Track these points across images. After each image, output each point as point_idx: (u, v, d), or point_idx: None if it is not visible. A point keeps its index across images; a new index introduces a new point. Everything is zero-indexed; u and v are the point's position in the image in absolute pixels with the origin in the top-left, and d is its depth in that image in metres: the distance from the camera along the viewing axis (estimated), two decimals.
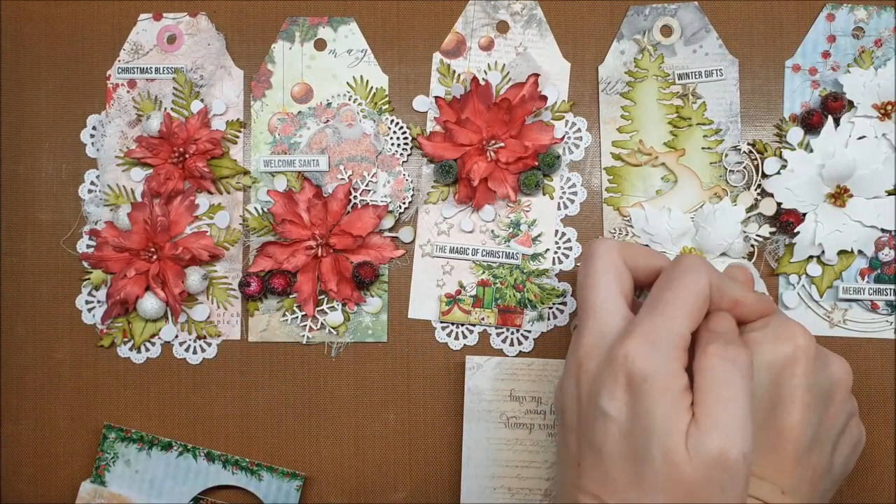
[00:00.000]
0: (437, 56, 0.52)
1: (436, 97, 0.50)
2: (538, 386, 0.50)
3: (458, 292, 0.50)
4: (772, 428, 0.36)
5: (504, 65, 0.51)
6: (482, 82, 0.49)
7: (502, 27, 0.52)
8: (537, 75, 0.49)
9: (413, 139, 0.51)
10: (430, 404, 0.51)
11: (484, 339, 0.51)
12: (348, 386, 0.51)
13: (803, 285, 0.50)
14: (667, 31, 0.51)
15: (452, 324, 0.51)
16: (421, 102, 0.51)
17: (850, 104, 0.49)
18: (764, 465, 0.36)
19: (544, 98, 0.49)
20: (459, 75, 0.51)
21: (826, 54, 0.51)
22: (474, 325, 0.51)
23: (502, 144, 0.50)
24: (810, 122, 0.49)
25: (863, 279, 0.49)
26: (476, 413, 0.49)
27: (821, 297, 0.50)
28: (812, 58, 0.51)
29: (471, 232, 0.51)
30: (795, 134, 0.50)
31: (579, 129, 0.51)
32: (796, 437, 0.36)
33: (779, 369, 0.37)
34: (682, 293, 0.36)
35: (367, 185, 0.51)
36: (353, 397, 0.51)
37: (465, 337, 0.51)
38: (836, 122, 0.49)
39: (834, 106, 0.49)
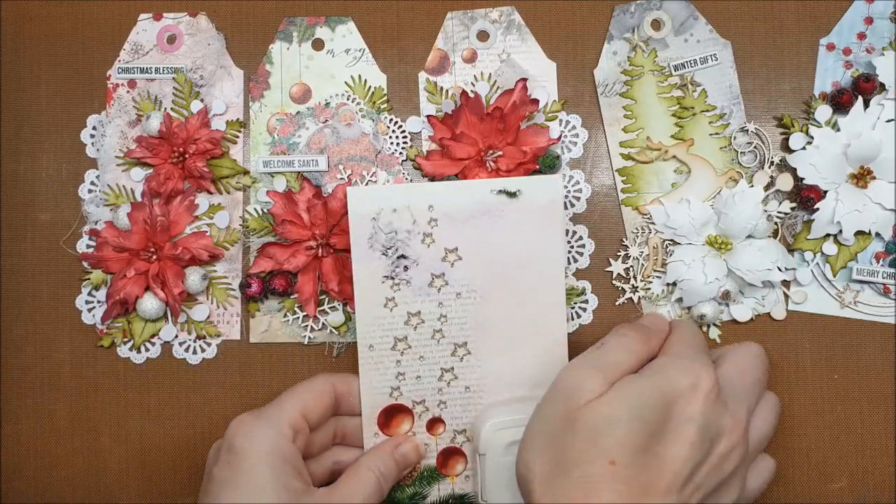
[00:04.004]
0: (422, 75, 0.51)
1: (428, 116, 0.50)
2: None
3: None
4: (653, 453, 0.37)
5: (490, 74, 0.51)
6: (471, 94, 0.49)
7: (482, 37, 0.51)
8: (525, 80, 0.49)
9: (412, 161, 0.51)
10: None
11: None
12: None
13: (818, 263, 0.50)
14: (656, 24, 0.51)
15: None
16: (414, 123, 0.51)
17: (882, 87, 0.49)
18: (635, 483, 0.36)
19: (536, 101, 0.49)
20: (448, 91, 0.51)
21: (862, 35, 0.50)
22: None
23: (500, 153, 0.49)
24: (840, 102, 0.49)
25: (878, 262, 0.49)
26: None
27: (834, 276, 0.49)
28: (847, 38, 0.50)
29: None
30: (823, 112, 0.49)
31: (574, 127, 0.51)
32: (675, 469, 0.37)
33: (674, 397, 0.38)
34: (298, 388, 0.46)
35: (366, 185, 0.51)
36: None
37: None
38: (866, 103, 0.49)
39: (865, 87, 0.49)
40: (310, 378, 0.47)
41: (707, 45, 0.51)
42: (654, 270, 0.50)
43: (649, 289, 0.50)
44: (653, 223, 0.50)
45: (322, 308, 0.50)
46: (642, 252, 0.50)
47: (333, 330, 0.51)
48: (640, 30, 0.51)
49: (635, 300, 0.50)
